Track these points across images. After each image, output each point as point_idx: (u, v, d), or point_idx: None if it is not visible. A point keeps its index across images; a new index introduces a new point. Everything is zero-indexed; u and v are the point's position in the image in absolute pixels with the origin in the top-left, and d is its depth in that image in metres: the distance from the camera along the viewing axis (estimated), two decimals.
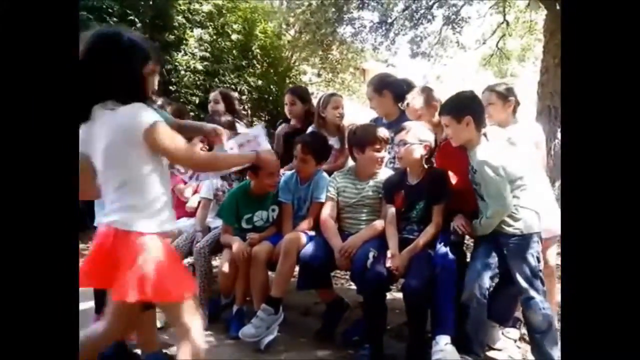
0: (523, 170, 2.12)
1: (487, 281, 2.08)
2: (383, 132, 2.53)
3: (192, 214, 3.18)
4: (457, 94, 2.26)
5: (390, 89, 2.89)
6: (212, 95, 3.61)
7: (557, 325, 2.14)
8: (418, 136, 2.35)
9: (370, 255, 2.27)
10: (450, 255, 2.19)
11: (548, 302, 2.09)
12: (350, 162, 2.76)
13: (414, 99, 2.64)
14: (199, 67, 6.31)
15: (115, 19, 5.28)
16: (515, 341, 2.52)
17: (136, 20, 5.56)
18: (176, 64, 6.11)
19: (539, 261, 2.07)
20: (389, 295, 2.36)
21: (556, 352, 2.01)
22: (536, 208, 2.12)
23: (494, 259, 2.13)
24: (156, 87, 1.61)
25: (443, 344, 2.03)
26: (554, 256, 2.61)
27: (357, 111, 6.83)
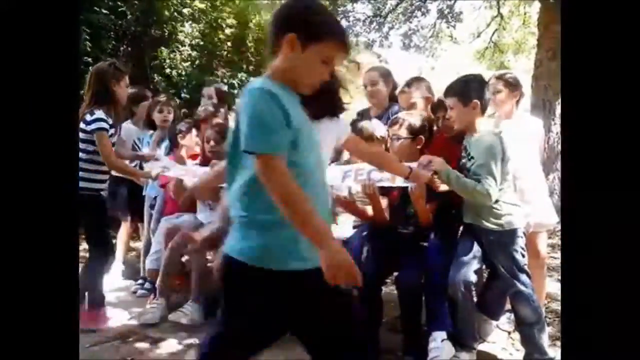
0: (514, 167, 2.11)
1: (471, 275, 2.06)
2: (379, 129, 2.50)
3: (187, 210, 3.17)
4: (466, 77, 2.15)
5: (391, 79, 2.94)
6: (207, 91, 3.59)
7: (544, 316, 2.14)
8: (411, 129, 2.28)
9: (365, 249, 2.28)
10: (443, 250, 2.21)
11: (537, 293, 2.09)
12: (346, 155, 2.76)
13: (410, 89, 2.61)
14: (189, 61, 6.22)
15: (105, 11, 5.20)
16: (509, 333, 2.55)
17: (127, 12, 5.49)
18: (165, 58, 6.02)
19: (523, 256, 2.05)
20: (384, 289, 2.37)
21: (546, 343, 2.04)
22: (518, 202, 2.10)
23: (478, 253, 2.11)
24: None
25: (439, 340, 2.05)
26: (544, 248, 2.63)
27: (352, 104, 6.78)
